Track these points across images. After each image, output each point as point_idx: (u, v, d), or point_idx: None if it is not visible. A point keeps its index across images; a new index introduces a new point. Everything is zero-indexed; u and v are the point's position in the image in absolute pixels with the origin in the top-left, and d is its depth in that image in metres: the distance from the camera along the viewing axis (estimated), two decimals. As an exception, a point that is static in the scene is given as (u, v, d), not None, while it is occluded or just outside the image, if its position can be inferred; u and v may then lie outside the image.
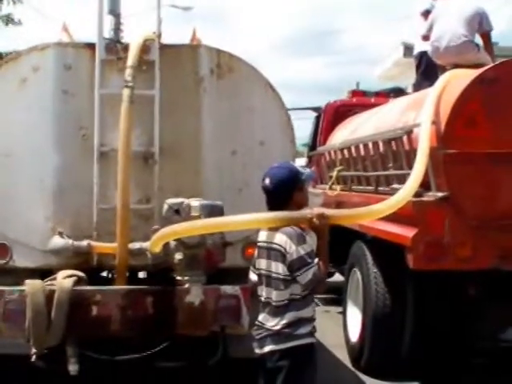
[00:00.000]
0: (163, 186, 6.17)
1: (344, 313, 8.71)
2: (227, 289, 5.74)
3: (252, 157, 6.40)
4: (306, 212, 4.50)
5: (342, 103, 12.16)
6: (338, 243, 8.87)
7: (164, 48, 6.27)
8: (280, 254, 4.47)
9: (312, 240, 4.56)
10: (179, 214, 5.60)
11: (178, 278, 5.75)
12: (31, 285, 5.54)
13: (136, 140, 6.15)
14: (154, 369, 6.30)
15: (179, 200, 5.67)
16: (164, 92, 6.22)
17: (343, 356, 8.33)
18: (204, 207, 5.61)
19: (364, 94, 12.82)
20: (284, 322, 4.47)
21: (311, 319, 4.56)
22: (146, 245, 5.76)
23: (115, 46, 6.19)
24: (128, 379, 6.77)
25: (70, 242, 5.95)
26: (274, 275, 4.54)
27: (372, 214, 5.06)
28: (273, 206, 4.63)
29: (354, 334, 8.06)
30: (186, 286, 5.67)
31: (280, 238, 4.47)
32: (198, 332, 5.70)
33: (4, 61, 6.25)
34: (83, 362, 5.70)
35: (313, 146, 12.40)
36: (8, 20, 16.98)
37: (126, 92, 5.88)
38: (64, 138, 6.19)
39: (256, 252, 4.76)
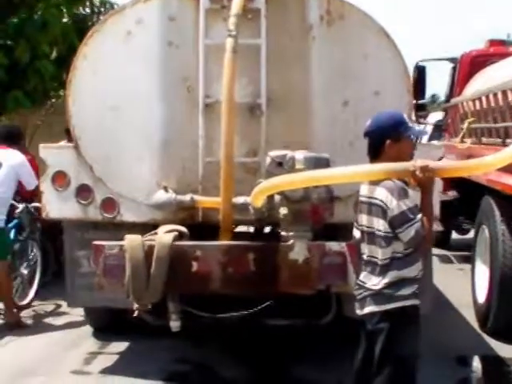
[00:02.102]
0: (270, 139, 5.94)
1: (472, 272, 8.28)
2: (333, 245, 5.45)
3: (365, 108, 6.02)
4: (408, 164, 4.14)
5: (478, 53, 11.48)
6: (472, 198, 8.53)
7: (269, -6, 5.99)
8: (381, 210, 4.15)
9: (415, 194, 4.21)
10: (282, 166, 5.34)
11: (283, 233, 5.51)
12: (130, 240, 5.45)
13: (242, 91, 5.92)
14: (261, 327, 6.13)
15: (282, 152, 5.41)
16: (271, 41, 5.96)
17: (470, 317, 7.93)
18: (308, 160, 5.34)
19: (503, 43, 12.05)
20: (385, 281, 4.17)
21: (415, 279, 4.23)
22: (250, 199, 5.54)
23: (219, -5, 5.94)
24: (233, 337, 6.68)
25: (173, 196, 5.83)
26: (376, 232, 4.23)
27: (481, 167, 4.59)
28: (370, 156, 4.33)
29: (481, 294, 7.65)
30: (290, 242, 5.41)
31: (380, 193, 4.15)
32: (303, 291, 5.45)
33: (109, 14, 6.16)
34: (185, 318, 5.59)
35: (449, 98, 11.84)
36: None
37: (229, 41, 5.64)
38: (169, 91, 6.06)
39: (358, 207, 4.45)
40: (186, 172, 6.03)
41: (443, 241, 11.86)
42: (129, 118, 6.09)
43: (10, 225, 8.19)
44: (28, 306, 8.51)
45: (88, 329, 7.47)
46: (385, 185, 4.14)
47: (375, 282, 4.21)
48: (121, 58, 6.11)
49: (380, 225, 4.18)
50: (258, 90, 5.95)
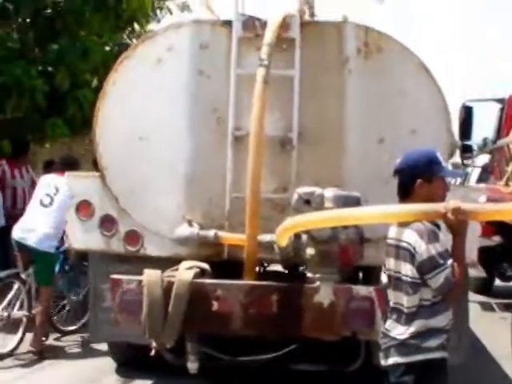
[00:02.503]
0: (301, 175, 5.69)
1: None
2: (360, 289, 5.16)
3: (401, 146, 5.68)
4: (439, 205, 3.84)
5: (526, 94, 11.11)
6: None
7: (306, 25, 5.79)
8: (409, 254, 3.86)
9: (446, 238, 3.91)
10: (310, 204, 5.09)
11: (309, 274, 5.25)
12: (149, 275, 5.23)
13: (273, 124, 5.72)
14: (284, 371, 5.83)
15: (311, 189, 5.16)
16: (305, 72, 5.75)
17: (511, 369, 7.50)
18: (338, 198, 5.08)
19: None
20: (411, 331, 3.86)
21: (444, 330, 3.91)
22: (275, 237, 5.28)
23: (253, 23, 5.75)
24: (255, 381, 6.36)
25: (196, 230, 5.60)
26: (402, 277, 3.95)
27: None
28: (400, 195, 4.05)
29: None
30: (316, 284, 5.14)
31: (409, 235, 3.86)
32: (327, 336, 5.18)
33: (141, 40, 6.00)
34: (205, 360, 5.33)
35: (496, 139, 11.47)
36: (183, 7, 17.32)
37: (260, 71, 5.43)
38: (198, 122, 5.87)
39: (385, 250, 4.17)
40: (213, 207, 5.81)
41: (485, 287, 11.46)
42: (156, 149, 5.91)
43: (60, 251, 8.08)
44: (72, 332, 8.42)
45: (111, 363, 7.24)
46: (414, 227, 3.85)
47: (401, 332, 3.91)
48: (150, 85, 5.95)
49: (407, 270, 3.89)
50: (289, 124, 5.73)
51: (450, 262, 3.76)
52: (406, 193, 4.01)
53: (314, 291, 5.14)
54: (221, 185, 5.73)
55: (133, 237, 5.98)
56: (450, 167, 4.07)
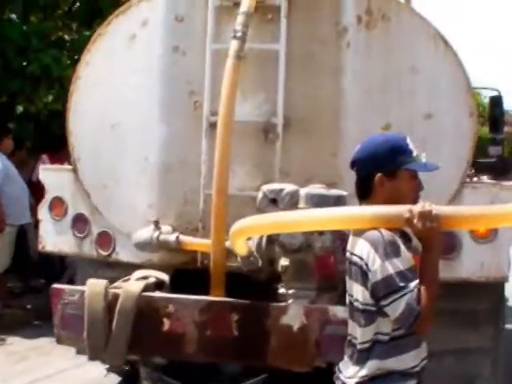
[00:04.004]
0: (287, 169, 4.78)
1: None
2: (338, 311, 4.10)
3: (413, 134, 4.71)
4: (403, 208, 2.87)
5: None
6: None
7: (294, -10, 4.85)
8: (360, 272, 2.91)
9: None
10: (276, 204, 4.18)
11: (281, 290, 4.33)
12: (92, 285, 4.42)
13: (255, 108, 4.84)
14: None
15: (279, 186, 4.26)
16: (293, 47, 4.82)
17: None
18: (311, 197, 4.14)
19: None
20: (362, 373, 2.91)
21: (410, 373, 2.91)
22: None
23: (232, -10, 4.86)
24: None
25: (156, 234, 4.75)
26: (354, 303, 3.00)
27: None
28: (358, 195, 3.11)
29: None
30: (285, 303, 4.23)
31: (361, 248, 2.91)
32: (296, 367, 4.21)
33: (115, 14, 5.22)
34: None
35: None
36: None
37: (233, 45, 4.54)
38: (173, 106, 5.04)
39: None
40: (188, 205, 4.97)
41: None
42: (128, 138, 5.14)
43: None
44: None
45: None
46: (367, 237, 2.89)
47: (350, 374, 2.97)
48: (123, 66, 5.18)
49: (358, 293, 2.95)
50: (274, 108, 4.81)
51: (413, 284, 2.78)
52: (364, 191, 3.06)
53: (282, 312, 4.20)
54: (197, 180, 4.88)
55: (104, 239, 5.23)
56: (423, 158, 3.05)
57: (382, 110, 4.83)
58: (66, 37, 9.65)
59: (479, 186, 4.96)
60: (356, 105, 4.83)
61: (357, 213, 3.03)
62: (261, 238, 4.32)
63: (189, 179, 4.95)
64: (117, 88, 5.16)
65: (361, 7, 4.80)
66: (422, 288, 2.78)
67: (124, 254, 5.16)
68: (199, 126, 4.90)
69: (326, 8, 4.85)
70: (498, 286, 5.10)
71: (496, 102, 9.13)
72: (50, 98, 9.64)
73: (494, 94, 9.00)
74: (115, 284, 4.49)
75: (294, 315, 4.19)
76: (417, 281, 2.78)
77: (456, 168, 4.85)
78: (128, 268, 5.02)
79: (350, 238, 3.06)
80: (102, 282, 4.44)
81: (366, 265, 2.86)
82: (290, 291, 4.29)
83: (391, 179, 2.98)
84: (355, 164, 3.10)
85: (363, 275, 2.88)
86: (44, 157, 9.40)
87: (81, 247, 5.34)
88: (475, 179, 5.80)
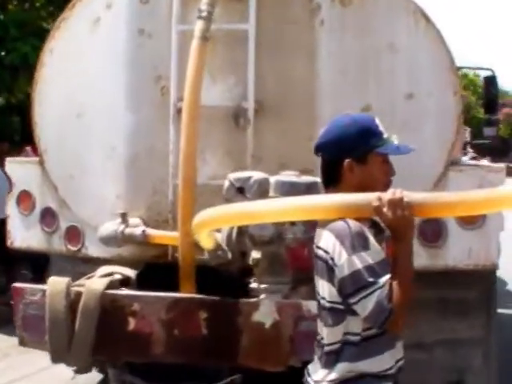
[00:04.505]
0: (260, 156, 4.52)
1: None
2: (312, 306, 3.80)
3: (394, 116, 4.51)
4: (371, 196, 2.60)
5: None
6: None
7: (265, -35, 4.57)
8: (325, 267, 2.64)
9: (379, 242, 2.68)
10: (243, 193, 3.91)
11: (253, 285, 4.07)
12: (54, 283, 4.17)
13: (227, 92, 4.57)
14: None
15: (246, 174, 3.98)
16: (263, 26, 4.54)
17: None
18: (281, 185, 3.87)
19: None
20: (331, 377, 2.64)
21: (385, 376, 2.64)
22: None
23: (199, -34, 4.57)
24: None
25: (121, 228, 4.49)
26: (321, 301, 2.74)
27: (494, 202, 2.87)
28: (324, 182, 2.84)
29: None
30: (257, 298, 3.97)
31: (326, 240, 2.64)
32: (269, 366, 3.95)
33: (78, -3, 4.96)
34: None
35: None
36: None
37: (198, 25, 4.27)
38: (139, 92, 4.78)
39: None
40: (157, 196, 4.71)
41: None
42: (94, 127, 4.88)
43: None
44: None
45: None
46: (333, 228, 2.62)
47: (319, 377, 2.70)
48: (88, 51, 4.91)
49: (325, 290, 2.68)
50: (245, 91, 4.54)
51: (384, 279, 2.52)
52: (331, 178, 2.79)
53: (253, 308, 3.94)
54: (165, 169, 4.62)
55: (73, 234, 4.98)
56: (395, 140, 2.78)
57: (360, 91, 4.56)
58: (45, 25, 9.34)
59: (465, 169, 4.69)
60: (332, 86, 4.56)
61: (321, 201, 2.76)
62: (231, 229, 4.06)
63: (157, 169, 4.69)
64: (82, 75, 4.91)
65: None
66: (394, 283, 2.51)
67: (93, 249, 4.90)
68: (167, 113, 4.63)
69: (297, -15, 4.57)
70: (488, 274, 4.84)
71: (490, 81, 8.83)
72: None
73: (489, 74, 8.71)
74: (78, 282, 4.23)
75: (265, 311, 3.93)
76: (388, 276, 2.52)
77: (440, 150, 4.58)
78: (99, 262, 4.77)
79: (317, 230, 2.80)
80: (64, 280, 4.18)
81: (332, 259, 2.59)
82: (262, 286, 4.03)
83: (361, 164, 2.71)
84: (320, 149, 2.82)
85: (329, 270, 2.62)
86: (28, 149, 9.19)
87: (50, 243, 5.10)
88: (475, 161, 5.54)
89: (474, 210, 2.90)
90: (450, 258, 4.62)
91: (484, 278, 4.86)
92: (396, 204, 2.54)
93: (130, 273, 4.34)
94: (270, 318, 3.92)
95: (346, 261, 2.54)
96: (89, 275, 4.34)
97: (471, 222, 4.54)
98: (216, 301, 4.07)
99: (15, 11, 9.24)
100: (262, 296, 4.01)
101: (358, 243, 2.55)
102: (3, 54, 8.63)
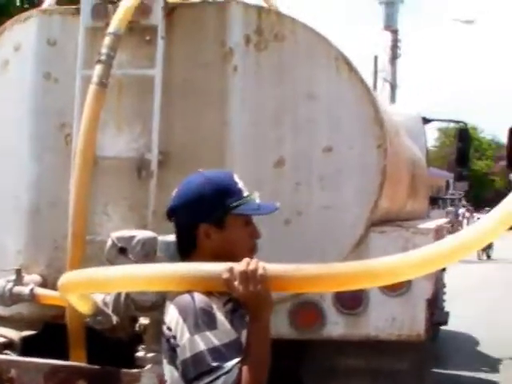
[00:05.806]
0: (164, 212, 4.14)
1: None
2: None
3: (310, 171, 4.16)
4: (221, 267, 2.23)
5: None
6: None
7: (175, 8, 4.27)
8: (167, 346, 2.29)
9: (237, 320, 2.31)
10: (125, 254, 3.57)
11: (139, 354, 3.71)
12: None
13: (132, 143, 4.27)
14: None
15: (130, 233, 3.65)
16: (171, 72, 4.26)
17: None
18: (165, 246, 3.51)
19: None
20: None
21: None
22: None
23: (105, 9, 4.27)
24: None
25: (9, 286, 4.14)
26: None
27: (370, 277, 2.45)
28: (180, 251, 2.48)
29: None
30: (146, 368, 3.61)
31: (171, 316, 2.28)
32: None
33: (-11, 38, 4.70)
34: None
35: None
36: None
37: (96, 69, 3.98)
38: (44, 140, 4.49)
39: None
40: (58, 252, 4.37)
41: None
42: (0, 175, 4.56)
43: None
44: None
45: None
46: (178, 302, 2.26)
47: None
48: (-3, 96, 4.62)
49: (167, 373, 2.32)
50: (149, 142, 4.21)
51: (231, 363, 2.15)
52: (187, 246, 2.42)
53: (134, 379, 3.59)
54: (67, 222, 4.28)
55: (-28, 288, 4.64)
56: (257, 198, 2.43)
57: (274, 144, 4.23)
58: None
59: (388, 230, 4.30)
60: (244, 138, 4.23)
61: (164, 272, 2.40)
62: (118, 292, 3.72)
63: (60, 222, 4.34)
64: (-10, 121, 4.62)
65: (250, 26, 4.21)
66: (245, 368, 2.15)
67: (-8, 307, 4.56)
68: (71, 162, 4.31)
69: (209, 27, 4.27)
70: (417, 345, 4.41)
71: (462, 135, 8.49)
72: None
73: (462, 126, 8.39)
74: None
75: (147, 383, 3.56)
76: (237, 359, 2.15)
77: (361, 208, 4.21)
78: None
79: (166, 303, 2.43)
80: None
81: (174, 338, 2.23)
82: (149, 355, 3.67)
83: (219, 228, 2.36)
84: (172, 213, 2.46)
85: (171, 350, 2.26)
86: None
87: None
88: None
89: (342, 286, 2.52)
90: (371, 326, 4.23)
91: (413, 350, 4.44)
92: (249, 277, 2.20)
93: (14, 335, 3.99)
94: None
95: (187, 341, 2.18)
96: (-31, 337, 4.00)
97: (394, 289, 4.15)
98: (95, 370, 3.72)
99: None
100: (148, 366, 3.65)
101: (202, 321, 2.19)
102: None
